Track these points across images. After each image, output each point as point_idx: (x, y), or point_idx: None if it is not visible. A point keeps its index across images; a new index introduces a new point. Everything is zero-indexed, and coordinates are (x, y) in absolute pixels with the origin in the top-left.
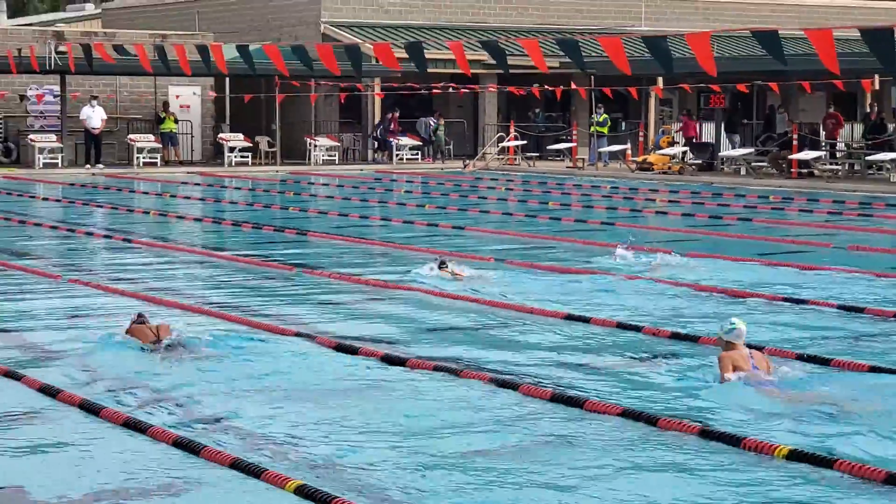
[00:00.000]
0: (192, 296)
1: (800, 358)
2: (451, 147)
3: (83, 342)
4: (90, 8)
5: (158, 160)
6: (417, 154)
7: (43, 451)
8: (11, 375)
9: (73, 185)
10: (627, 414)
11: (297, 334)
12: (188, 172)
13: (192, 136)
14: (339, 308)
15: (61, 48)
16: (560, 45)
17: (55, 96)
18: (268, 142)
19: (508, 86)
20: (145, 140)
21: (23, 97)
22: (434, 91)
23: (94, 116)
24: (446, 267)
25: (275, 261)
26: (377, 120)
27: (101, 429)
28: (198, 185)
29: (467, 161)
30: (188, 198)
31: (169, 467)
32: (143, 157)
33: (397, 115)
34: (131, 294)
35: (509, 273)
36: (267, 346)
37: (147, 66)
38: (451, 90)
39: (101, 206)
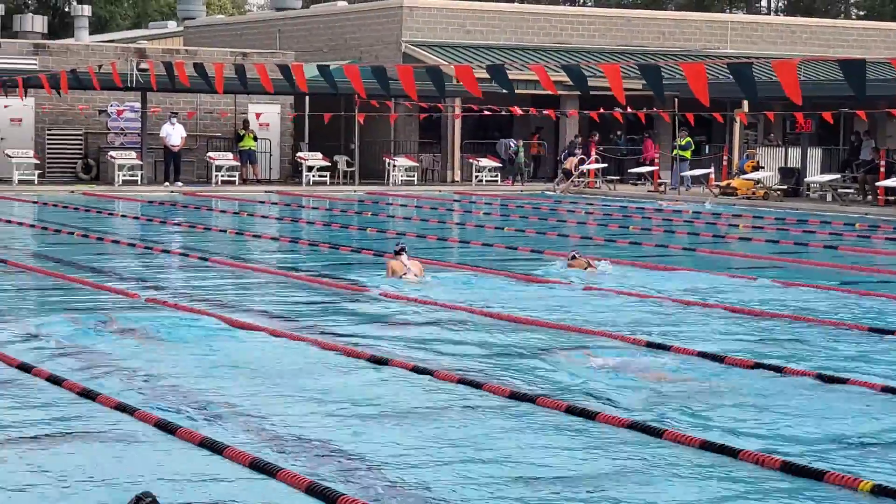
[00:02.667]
0: (269, 316)
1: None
2: (530, 169)
3: (162, 363)
4: (172, 26)
5: (237, 178)
6: (497, 175)
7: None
8: (86, 395)
9: (151, 202)
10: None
11: (372, 358)
12: (266, 191)
13: (270, 155)
14: (415, 331)
15: (143, 65)
16: (641, 71)
17: (135, 112)
18: (346, 161)
19: (590, 110)
20: (224, 158)
21: (102, 112)
22: (515, 112)
23: (174, 134)
24: (578, 260)
25: (351, 282)
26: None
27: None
28: (275, 203)
29: (560, 182)
30: (266, 216)
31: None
32: (222, 175)
33: (596, 138)
34: (208, 313)
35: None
36: (338, 369)
37: (220, 86)
38: (531, 112)
39: (178, 224)
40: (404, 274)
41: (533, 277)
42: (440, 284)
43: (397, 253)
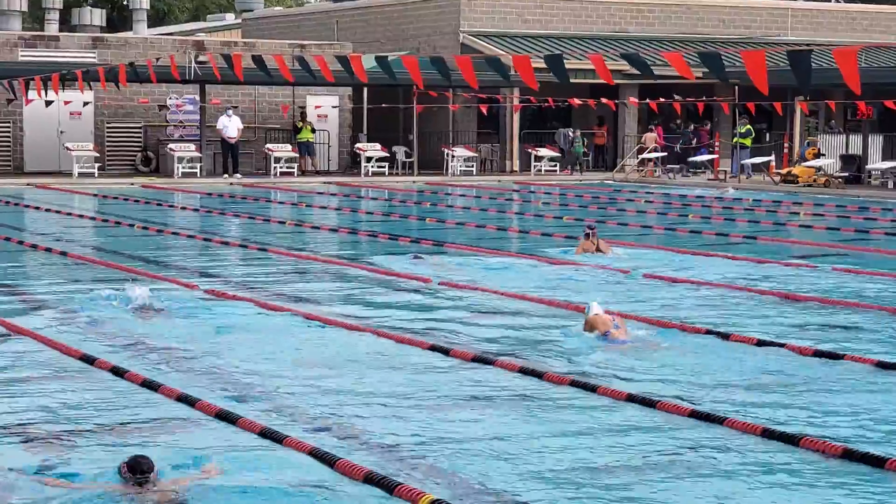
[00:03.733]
0: (328, 306)
1: None
2: (588, 159)
3: (224, 356)
4: (230, 18)
5: (295, 170)
6: (555, 165)
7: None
8: (149, 386)
9: (210, 194)
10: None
11: (432, 347)
12: (324, 182)
13: (328, 146)
14: (475, 319)
15: (202, 58)
16: (702, 59)
17: (194, 105)
18: (405, 152)
19: (649, 99)
20: (282, 150)
21: (162, 107)
22: (573, 103)
23: (231, 126)
24: (591, 237)
25: (410, 273)
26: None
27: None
28: (334, 195)
29: (627, 166)
30: (324, 207)
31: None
32: (280, 167)
33: (707, 127)
34: (266, 305)
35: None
36: (402, 358)
37: (287, 76)
38: (589, 103)
39: (237, 216)
40: (595, 250)
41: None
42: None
43: (588, 236)
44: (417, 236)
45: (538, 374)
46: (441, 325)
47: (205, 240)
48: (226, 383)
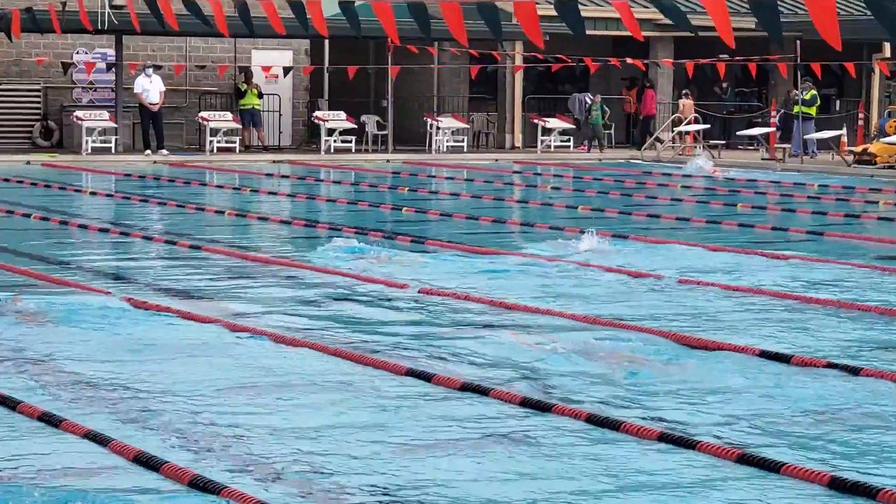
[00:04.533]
0: (276, 318)
1: None
2: (611, 132)
3: (142, 378)
4: None
5: (237, 145)
6: (569, 140)
7: None
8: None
9: (129, 175)
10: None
11: (409, 372)
12: (274, 161)
13: (280, 115)
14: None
15: (118, 1)
16: (753, 8)
17: (108, 62)
18: (377, 122)
19: (686, 59)
20: (221, 119)
21: (67, 65)
22: (589, 63)
23: (152, 89)
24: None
25: (380, 277)
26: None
27: None
28: (286, 177)
29: (660, 142)
30: (274, 193)
31: None
32: (218, 141)
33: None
34: (201, 318)
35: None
36: (366, 384)
37: (223, 27)
38: (612, 61)
39: (163, 204)
40: None
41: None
42: None
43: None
44: (391, 230)
45: (544, 408)
46: (421, 344)
47: (121, 233)
48: (138, 414)
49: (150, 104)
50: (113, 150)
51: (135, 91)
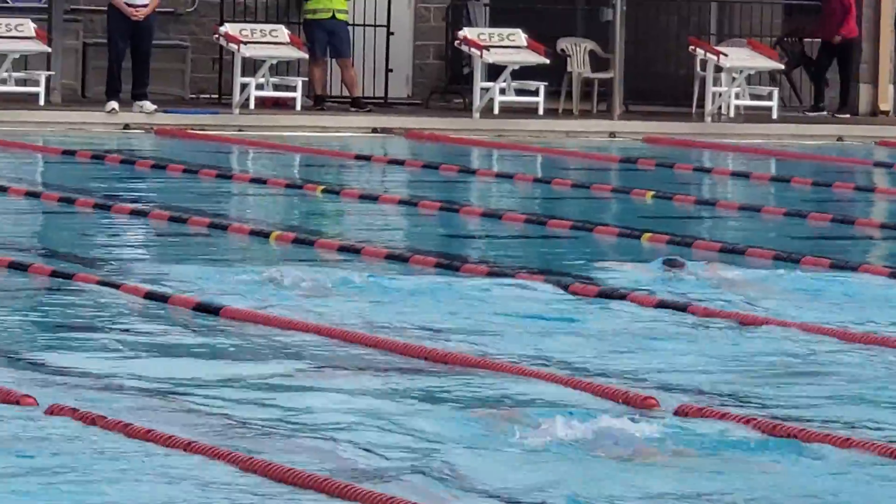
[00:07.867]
0: None
1: None
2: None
3: None
4: None
5: (299, 94)
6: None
7: None
8: None
9: (73, 153)
10: None
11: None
12: (376, 130)
13: (389, 36)
14: None
15: None
16: None
17: None
18: (590, 55)
19: None
20: (265, 39)
21: None
22: None
23: None
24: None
25: None
26: None
27: None
28: (400, 162)
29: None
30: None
31: None
32: (259, 86)
33: None
34: None
35: None
36: None
37: None
38: None
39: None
40: None
41: None
42: None
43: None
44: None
45: None
46: None
47: None
48: None
49: (130, 6)
50: (41, 100)
51: None
